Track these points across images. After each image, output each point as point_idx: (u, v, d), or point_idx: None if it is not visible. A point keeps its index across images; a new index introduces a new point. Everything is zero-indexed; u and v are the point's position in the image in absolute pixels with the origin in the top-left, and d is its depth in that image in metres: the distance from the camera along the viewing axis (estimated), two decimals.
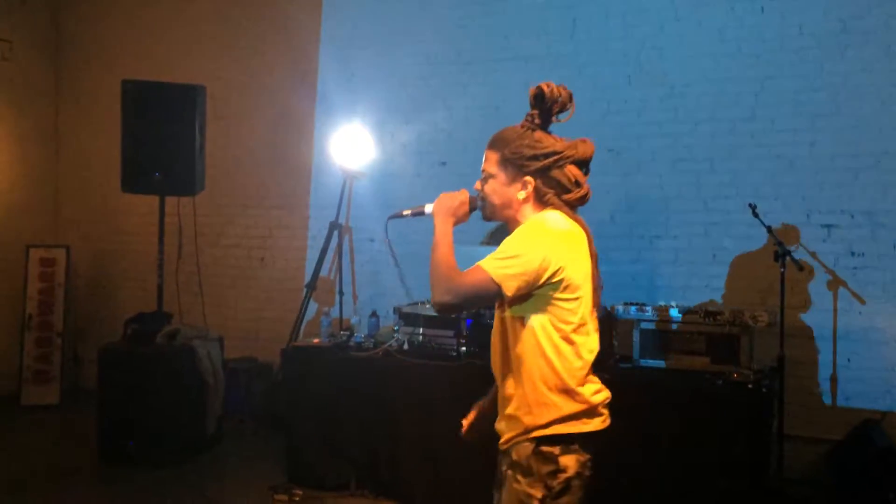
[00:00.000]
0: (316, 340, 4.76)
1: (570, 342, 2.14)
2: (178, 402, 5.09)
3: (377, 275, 5.96)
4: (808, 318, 4.80)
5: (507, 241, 2.15)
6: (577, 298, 2.17)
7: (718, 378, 3.74)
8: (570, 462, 2.11)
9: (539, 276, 2.09)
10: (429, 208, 2.36)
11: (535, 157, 2.22)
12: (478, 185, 2.33)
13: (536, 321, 2.13)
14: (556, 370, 2.11)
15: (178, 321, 5.47)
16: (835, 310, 4.75)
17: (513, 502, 2.13)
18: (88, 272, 7.12)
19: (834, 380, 4.73)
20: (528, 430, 2.12)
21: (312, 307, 5.80)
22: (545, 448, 2.10)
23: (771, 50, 4.95)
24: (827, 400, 4.75)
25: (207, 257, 6.33)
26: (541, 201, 2.24)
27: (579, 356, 2.15)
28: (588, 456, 2.16)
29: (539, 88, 2.28)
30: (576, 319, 2.16)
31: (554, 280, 2.11)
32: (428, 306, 4.46)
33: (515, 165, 2.23)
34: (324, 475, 4.44)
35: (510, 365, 2.18)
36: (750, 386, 3.65)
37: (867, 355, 4.65)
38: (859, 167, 4.74)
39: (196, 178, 5.30)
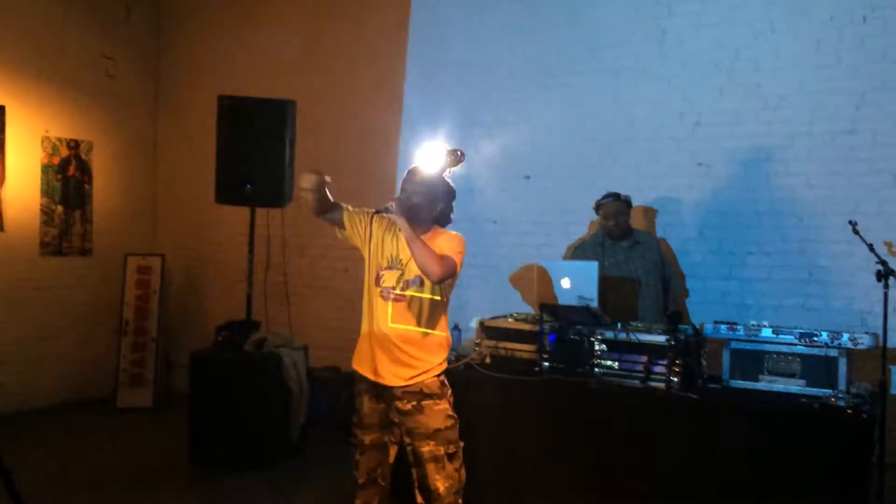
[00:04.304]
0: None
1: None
2: (264, 408, 5.21)
3: (459, 287, 5.93)
4: None
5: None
6: None
7: (815, 402, 3.58)
8: None
9: None
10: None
11: None
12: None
13: (446, 298, 3.28)
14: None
15: (265, 329, 5.60)
16: None
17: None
18: (181, 280, 7.38)
19: None
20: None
21: None
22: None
23: (873, 61, 4.74)
24: None
25: (294, 267, 6.47)
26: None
27: None
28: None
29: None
30: None
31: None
32: (510, 320, 4.43)
33: None
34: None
35: (426, 327, 3.21)
36: (849, 411, 3.48)
37: None
38: None
39: (285, 191, 5.42)
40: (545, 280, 4.27)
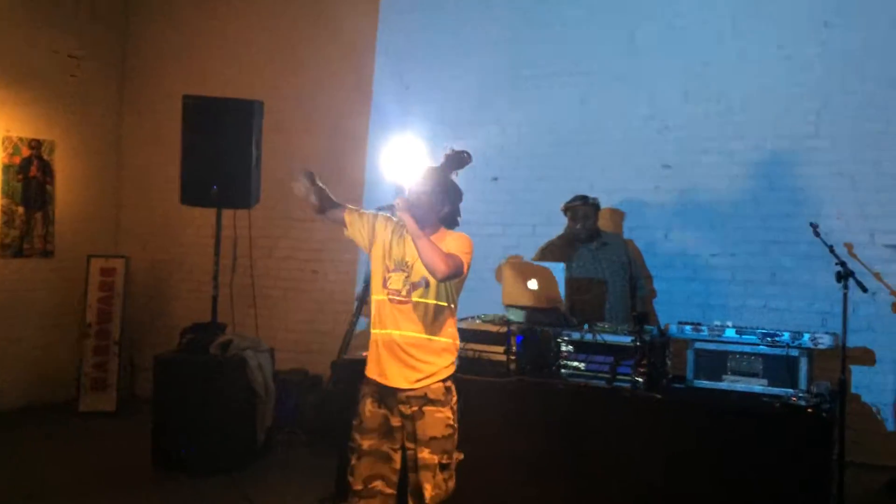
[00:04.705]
0: (365, 353, 4.74)
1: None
2: (230, 411, 5.16)
3: None
4: (870, 341, 4.66)
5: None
6: None
7: (776, 401, 3.63)
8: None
9: None
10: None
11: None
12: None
13: (453, 303, 3.23)
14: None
15: (231, 332, 5.54)
16: None
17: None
18: (146, 282, 7.28)
19: None
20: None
21: (363, 320, 5.82)
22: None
23: (834, 65, 4.84)
24: (890, 426, 4.60)
25: (261, 269, 6.42)
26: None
27: None
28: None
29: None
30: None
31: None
32: (478, 321, 4.43)
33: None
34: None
35: (431, 332, 3.17)
36: (809, 410, 3.53)
37: None
38: None
39: (252, 192, 5.38)
40: (514, 281, 4.28)
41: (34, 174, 6.74)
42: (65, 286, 6.89)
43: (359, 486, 3.18)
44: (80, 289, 6.80)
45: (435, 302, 3.20)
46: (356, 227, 3.29)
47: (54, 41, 6.85)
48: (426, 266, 3.05)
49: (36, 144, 6.74)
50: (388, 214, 3.22)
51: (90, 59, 7.16)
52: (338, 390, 4.88)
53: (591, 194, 4.91)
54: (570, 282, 4.70)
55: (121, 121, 7.49)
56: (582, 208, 4.83)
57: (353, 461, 3.21)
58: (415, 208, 3.11)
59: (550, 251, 4.96)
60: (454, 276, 3.10)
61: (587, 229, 4.84)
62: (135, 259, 7.08)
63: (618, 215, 5.38)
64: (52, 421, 6.32)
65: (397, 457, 3.22)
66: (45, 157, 6.82)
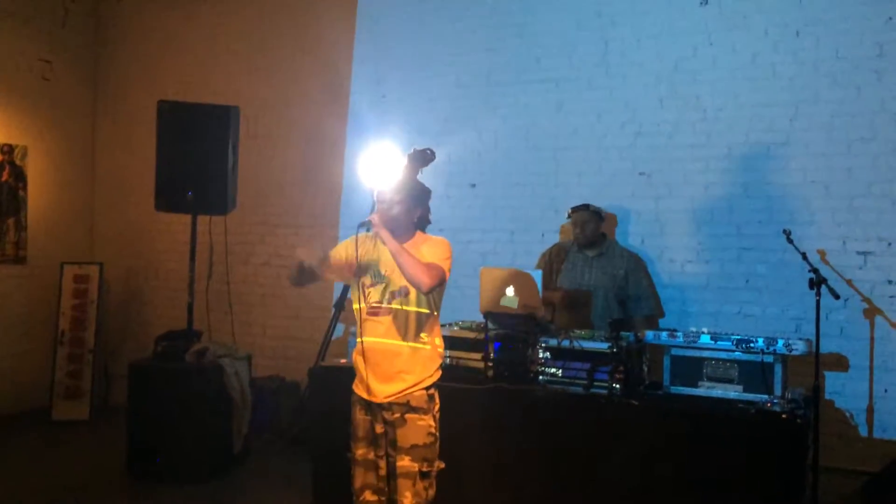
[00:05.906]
0: (343, 361, 4.75)
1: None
2: (206, 419, 5.11)
3: None
4: (843, 347, 4.71)
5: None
6: None
7: (751, 407, 3.66)
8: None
9: None
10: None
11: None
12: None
13: (435, 310, 3.26)
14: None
15: (207, 339, 5.50)
16: (871, 339, 4.65)
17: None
18: (120, 289, 7.20)
19: (870, 411, 4.63)
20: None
21: (340, 327, 5.81)
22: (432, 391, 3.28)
23: (806, 74, 4.89)
24: (863, 431, 4.64)
25: (237, 276, 6.38)
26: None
27: None
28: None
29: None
30: None
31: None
32: (456, 328, 4.43)
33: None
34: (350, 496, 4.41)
35: (414, 341, 3.17)
36: (784, 416, 3.57)
37: None
38: None
39: (228, 198, 5.35)
40: (491, 287, 4.28)
41: (6, 179, 6.65)
42: (38, 293, 6.80)
43: (354, 499, 3.28)
44: (53, 296, 6.72)
45: (416, 309, 3.20)
46: (334, 272, 3.32)
47: (25, 45, 6.77)
48: (410, 281, 3.08)
49: (8, 149, 6.65)
50: (365, 231, 3.19)
51: (62, 63, 7.08)
52: (314, 397, 4.85)
53: (568, 201, 4.98)
54: (556, 286, 4.75)
55: (95, 126, 7.42)
56: (581, 216, 4.89)
57: (353, 471, 3.29)
58: (391, 221, 3.13)
59: (549, 254, 5.03)
60: (438, 286, 3.12)
61: (586, 236, 4.89)
62: (109, 266, 7.00)
63: (609, 220, 5.35)
64: (25, 429, 6.24)
65: (382, 463, 3.26)
66: (18, 162, 6.73)
